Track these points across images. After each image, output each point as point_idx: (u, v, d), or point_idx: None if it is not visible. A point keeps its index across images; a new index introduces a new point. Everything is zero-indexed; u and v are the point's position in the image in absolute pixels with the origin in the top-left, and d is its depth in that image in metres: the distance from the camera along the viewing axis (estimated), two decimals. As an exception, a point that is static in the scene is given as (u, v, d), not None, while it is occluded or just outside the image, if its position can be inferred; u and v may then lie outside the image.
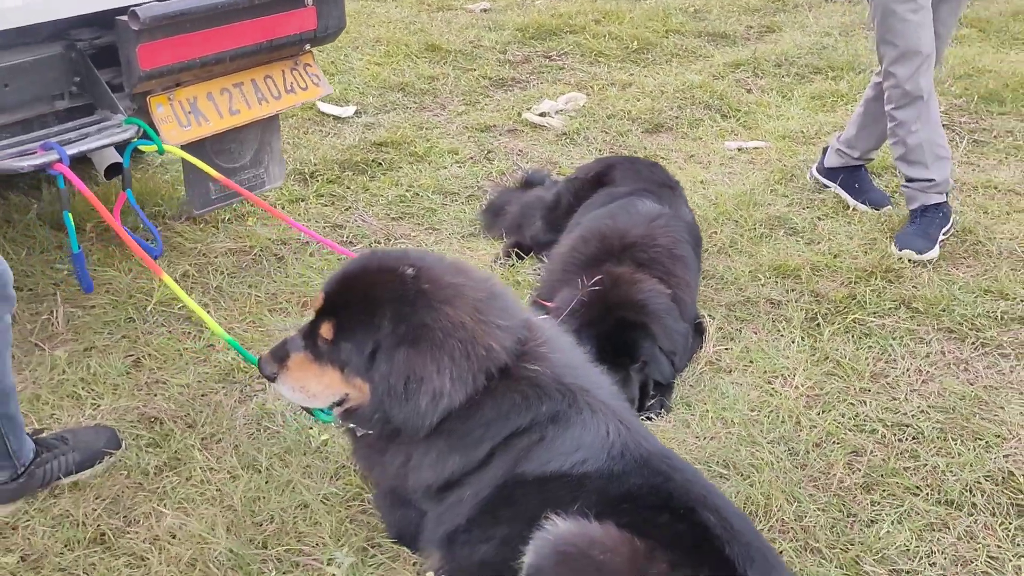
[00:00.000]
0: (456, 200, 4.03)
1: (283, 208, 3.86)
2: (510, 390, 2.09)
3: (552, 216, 3.50)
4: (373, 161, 4.31)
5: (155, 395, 2.80)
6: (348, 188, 4.08)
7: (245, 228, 3.72)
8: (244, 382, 2.88)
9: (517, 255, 3.54)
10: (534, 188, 3.86)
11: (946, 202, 3.61)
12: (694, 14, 6.46)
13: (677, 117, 4.84)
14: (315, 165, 4.21)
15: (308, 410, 2.41)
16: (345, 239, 3.71)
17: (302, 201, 3.96)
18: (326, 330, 2.14)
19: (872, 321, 3.13)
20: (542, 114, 4.81)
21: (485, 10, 6.55)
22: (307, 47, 3.39)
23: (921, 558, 2.25)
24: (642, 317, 2.75)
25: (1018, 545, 2.29)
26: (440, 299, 2.10)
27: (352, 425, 2.25)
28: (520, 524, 1.99)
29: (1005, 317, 3.14)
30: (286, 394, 2.25)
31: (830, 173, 4.00)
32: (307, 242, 3.64)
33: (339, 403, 2.25)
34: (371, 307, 2.10)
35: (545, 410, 2.08)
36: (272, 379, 2.23)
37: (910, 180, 3.62)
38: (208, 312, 2.85)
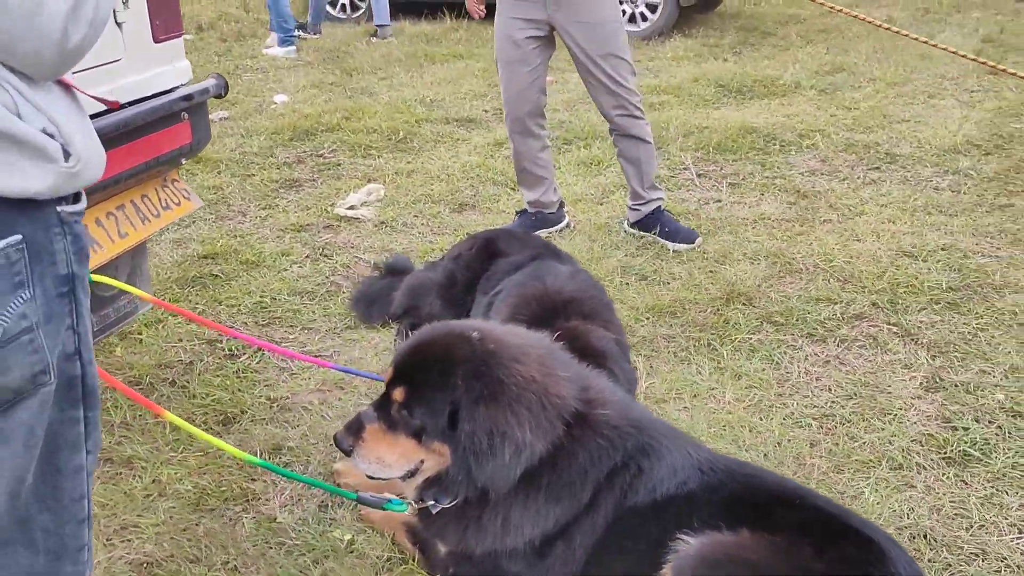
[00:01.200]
0: (315, 298, 3.97)
1: (145, 330, 3.58)
2: (594, 433, 2.21)
3: (449, 293, 3.59)
4: (209, 274, 4.11)
5: (131, 540, 2.51)
6: (198, 303, 3.86)
7: (114, 359, 3.40)
8: (219, 507, 2.66)
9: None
10: (402, 273, 3.92)
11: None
12: (431, 103, 6.84)
13: (475, 194, 5.12)
14: (152, 288, 3.91)
15: (377, 505, 2.37)
16: (227, 352, 3.52)
17: (159, 323, 3.68)
18: (399, 395, 2.17)
19: (751, 338, 3.60)
20: (351, 207, 4.85)
21: (224, 119, 6.43)
22: (181, 162, 3.25)
23: (907, 515, 2.66)
24: (606, 363, 2.96)
25: (966, 486, 2.79)
26: (508, 357, 2.19)
27: (431, 501, 2.25)
28: (646, 552, 2.10)
29: (844, 316, 3.75)
30: (362, 467, 2.25)
31: (641, 225, 4.51)
32: (190, 361, 3.42)
33: (412, 474, 2.24)
34: (444, 370, 2.15)
35: (631, 445, 2.23)
36: (348, 453, 2.24)
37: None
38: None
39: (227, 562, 2.45)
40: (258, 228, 4.67)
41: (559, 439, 2.17)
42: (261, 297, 3.93)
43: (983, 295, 3.87)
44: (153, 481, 2.77)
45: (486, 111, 6.72)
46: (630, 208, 4.51)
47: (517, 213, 4.68)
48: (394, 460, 2.23)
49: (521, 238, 3.74)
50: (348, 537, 2.53)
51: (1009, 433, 3.00)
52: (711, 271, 4.14)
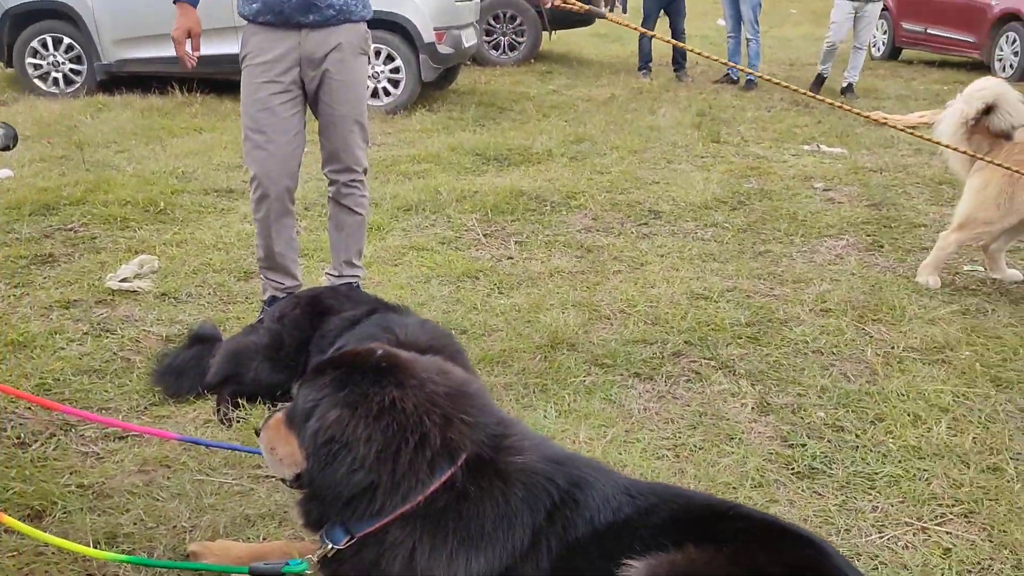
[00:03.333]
0: (105, 376, 3.49)
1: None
2: (509, 479, 2.08)
3: (277, 356, 3.31)
4: (-33, 360, 3.48)
5: None
6: (-39, 393, 3.24)
7: None
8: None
9: (235, 404, 3.26)
10: (210, 340, 3.56)
11: None
12: (184, 176, 6.39)
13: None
14: None
15: (274, 572, 2.14)
16: (16, 440, 2.98)
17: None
18: (295, 391, 2.12)
19: (585, 380, 3.61)
20: (123, 280, 4.36)
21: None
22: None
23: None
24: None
25: (821, 497, 2.93)
26: (394, 381, 2.05)
27: (326, 542, 2.05)
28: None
29: (664, 354, 3.88)
30: (264, 455, 2.19)
31: None
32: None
33: (300, 481, 2.11)
34: (328, 372, 2.07)
35: (562, 482, 2.12)
36: (256, 434, 2.19)
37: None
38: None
39: None
40: (14, 308, 4.05)
41: (454, 479, 2.02)
42: (41, 379, 3.39)
43: (775, 329, 4.17)
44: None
45: (244, 182, 6.37)
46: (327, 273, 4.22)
47: (264, 303, 4.03)
48: (283, 456, 2.11)
49: (347, 294, 3.54)
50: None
51: (839, 446, 3.20)
52: (528, 321, 4.13)
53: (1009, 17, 12.47)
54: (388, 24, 8.59)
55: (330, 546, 2.05)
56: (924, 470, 3.04)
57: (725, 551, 1.96)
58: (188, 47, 3.75)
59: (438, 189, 6.12)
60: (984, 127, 4.66)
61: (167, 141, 7.42)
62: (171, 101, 8.93)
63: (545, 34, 13.39)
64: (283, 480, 2.18)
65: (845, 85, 11.17)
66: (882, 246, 5.44)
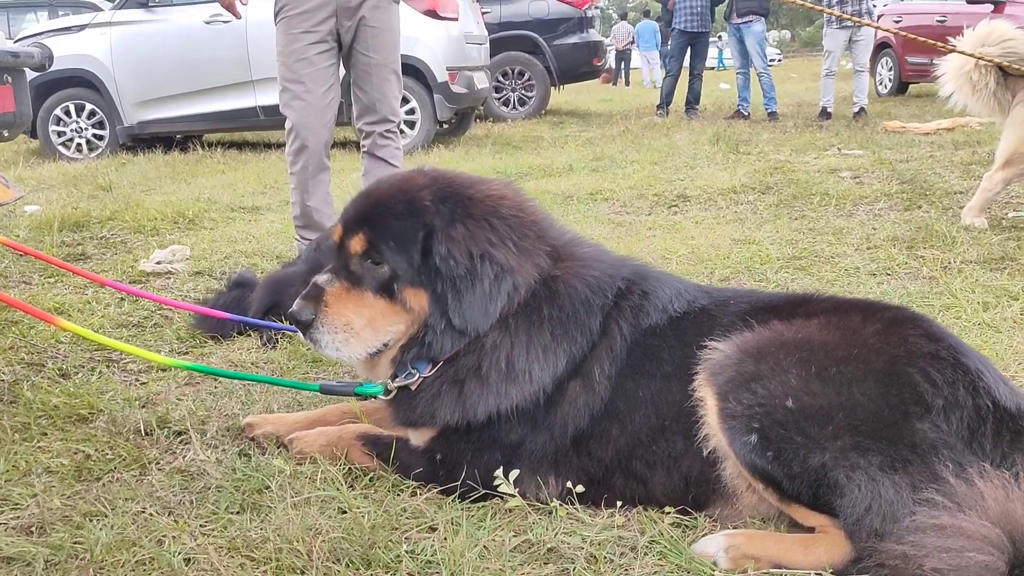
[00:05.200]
0: (145, 329, 3.40)
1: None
2: (584, 264, 1.99)
3: (320, 279, 3.21)
4: (9, 321, 3.40)
5: (3, 512, 1.85)
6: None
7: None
8: (108, 475, 2.06)
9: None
10: (249, 286, 3.47)
11: None
12: (210, 200, 6.38)
13: (289, 249, 4.73)
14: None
15: (346, 392, 1.97)
16: (59, 371, 2.87)
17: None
18: (358, 244, 1.86)
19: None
20: (158, 262, 4.30)
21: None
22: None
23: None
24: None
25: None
26: (472, 180, 1.96)
27: (411, 374, 1.88)
28: (674, 368, 1.86)
29: (713, 279, 3.76)
30: (325, 343, 1.86)
31: None
32: (15, 380, 2.74)
33: (382, 350, 1.88)
34: (408, 198, 1.88)
35: (628, 272, 2.01)
36: (309, 325, 1.85)
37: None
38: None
39: (141, 511, 1.86)
40: (48, 290, 3.98)
41: (548, 269, 1.91)
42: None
43: (823, 261, 4.04)
44: (12, 467, 2.11)
45: (271, 202, 6.38)
46: None
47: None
48: (364, 325, 1.88)
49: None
50: (289, 468, 2.02)
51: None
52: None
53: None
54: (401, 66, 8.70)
55: (417, 376, 1.91)
56: (1005, 338, 2.87)
57: (815, 321, 1.84)
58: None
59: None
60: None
61: (192, 180, 7.47)
62: (193, 156, 9.04)
63: (553, 90, 13.61)
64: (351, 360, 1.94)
65: (856, 110, 11.23)
66: (920, 206, 5.33)
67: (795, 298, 2.02)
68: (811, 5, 5.83)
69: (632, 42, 26.45)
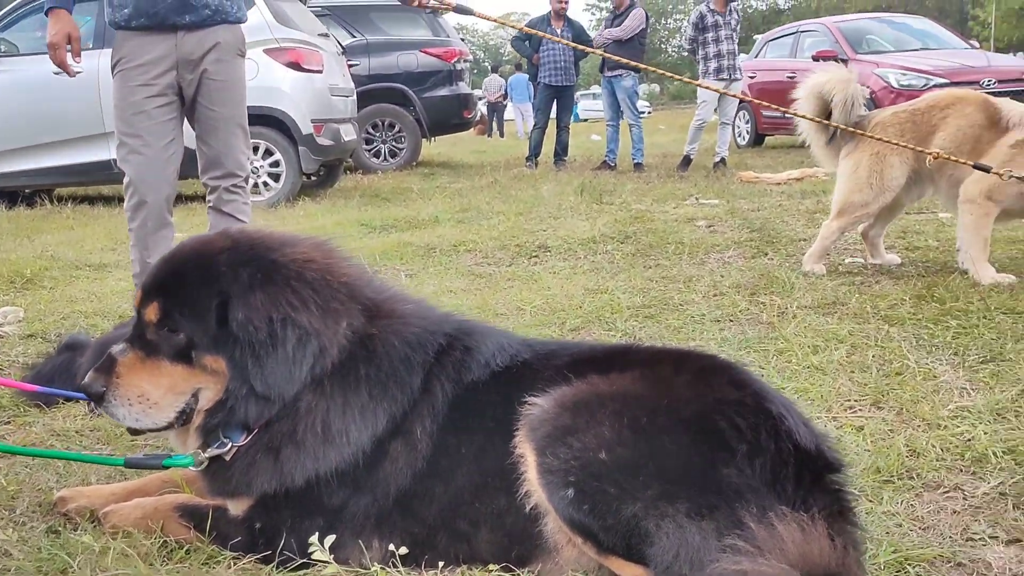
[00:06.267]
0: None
1: None
2: (403, 320, 1.97)
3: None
4: None
5: None
6: None
7: None
8: None
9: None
10: (82, 348, 3.31)
11: None
12: (53, 258, 6.10)
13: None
14: None
15: (154, 465, 1.88)
16: None
17: None
18: (153, 313, 1.81)
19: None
20: (-15, 326, 4.07)
21: None
22: None
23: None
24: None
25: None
26: (279, 242, 1.93)
27: (223, 443, 1.82)
28: (496, 424, 1.86)
29: (564, 330, 3.81)
30: (122, 416, 1.81)
31: None
32: None
33: (185, 416, 1.82)
34: (204, 264, 1.85)
35: (450, 327, 2.01)
36: (100, 398, 1.80)
37: None
38: None
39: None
40: None
41: (363, 328, 1.89)
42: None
43: (672, 308, 4.15)
44: None
45: (120, 258, 6.14)
46: None
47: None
48: (161, 395, 1.83)
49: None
50: (98, 544, 1.91)
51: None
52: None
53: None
54: (265, 119, 8.61)
55: (229, 445, 1.85)
56: (830, 380, 3.00)
57: (630, 373, 1.87)
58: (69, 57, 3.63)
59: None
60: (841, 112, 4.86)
61: (36, 237, 7.14)
62: (40, 211, 8.66)
63: (425, 141, 13.68)
64: (155, 429, 1.88)
65: (718, 160, 11.69)
66: (766, 254, 5.55)
67: (615, 350, 2.05)
68: (688, 79, 6.08)
69: (504, 95, 26.97)
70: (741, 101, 16.02)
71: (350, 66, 11.19)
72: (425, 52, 12.72)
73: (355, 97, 10.36)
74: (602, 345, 2.20)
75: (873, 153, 4.71)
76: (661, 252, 5.68)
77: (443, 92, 12.75)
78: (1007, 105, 4.55)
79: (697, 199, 8.43)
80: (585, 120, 37.31)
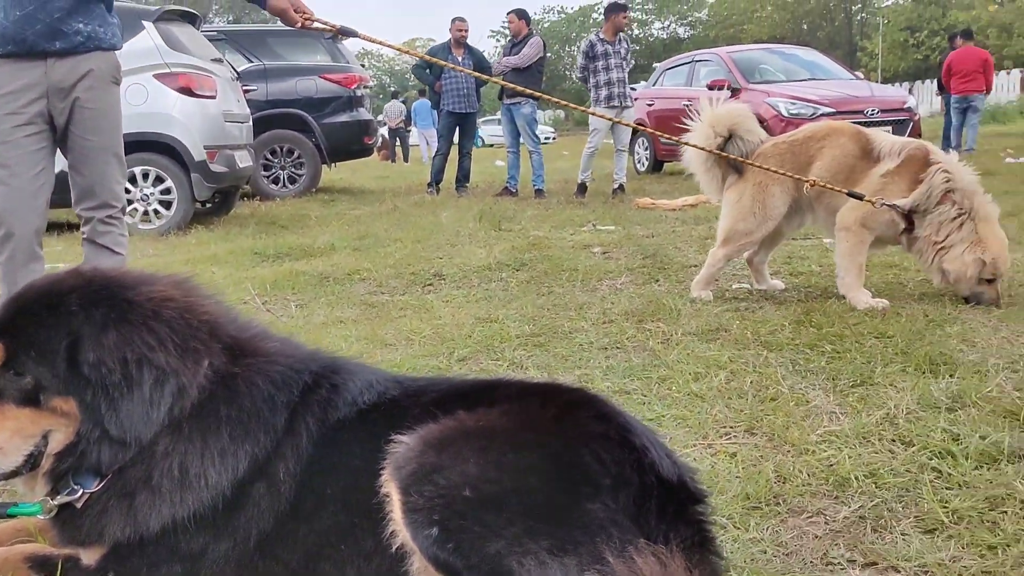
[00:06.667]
0: None
1: None
2: (267, 359, 1.93)
3: None
4: None
5: None
6: None
7: None
8: None
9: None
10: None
11: None
12: None
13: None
14: None
15: (6, 515, 1.78)
16: None
17: None
18: None
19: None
20: None
21: None
22: None
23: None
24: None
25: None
26: (135, 280, 1.88)
27: (74, 490, 1.75)
28: (362, 463, 1.82)
29: (451, 361, 3.79)
30: None
31: None
32: None
33: (33, 460, 1.74)
34: (53, 303, 1.78)
35: (316, 366, 1.98)
36: None
37: None
38: None
39: None
40: None
41: (224, 367, 1.84)
42: None
43: (561, 336, 4.18)
44: None
45: None
46: None
47: None
48: (6, 439, 1.74)
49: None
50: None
51: (625, 403, 3.17)
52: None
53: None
54: (155, 145, 8.41)
55: (80, 492, 1.77)
56: (708, 406, 3.06)
57: (497, 408, 1.87)
58: None
59: (213, 272, 5.88)
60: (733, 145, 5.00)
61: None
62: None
63: (327, 167, 13.55)
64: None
65: (616, 187, 11.88)
66: (657, 280, 5.65)
67: (483, 385, 2.05)
68: (575, 106, 6.14)
69: (405, 120, 26.96)
70: (634, 129, 16.41)
71: (246, 91, 11.02)
72: (324, 78, 12.62)
73: (251, 123, 10.20)
74: (471, 380, 2.20)
75: (756, 183, 4.86)
76: (555, 279, 5.73)
77: (343, 118, 12.67)
78: (878, 136, 4.76)
79: (594, 225, 8.55)
80: (490, 146, 37.53)
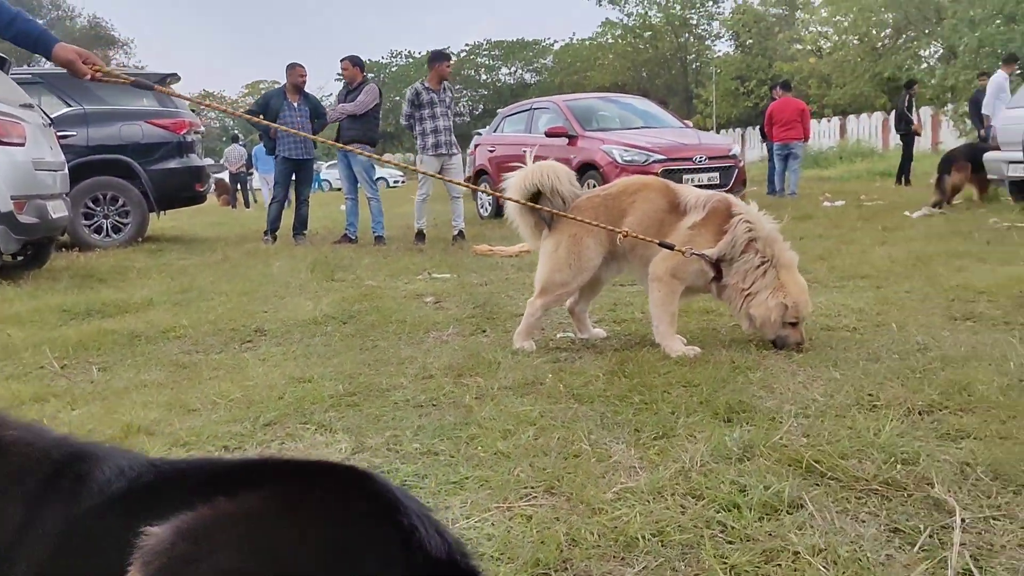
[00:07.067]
0: None
1: None
2: (4, 451, 1.78)
3: None
4: None
5: None
6: None
7: None
8: None
9: None
10: None
11: None
12: None
13: None
14: None
15: None
16: None
17: None
18: None
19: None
20: None
21: None
22: None
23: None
24: None
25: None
26: None
27: None
28: (112, 552, 1.69)
29: (256, 427, 3.64)
30: None
31: None
32: None
33: None
34: None
35: (59, 455, 1.84)
36: None
37: None
38: None
39: None
40: None
41: None
42: None
43: (377, 395, 4.09)
44: None
45: None
46: None
47: None
48: None
49: None
50: None
51: (432, 465, 3.11)
52: (102, 424, 3.70)
53: (586, 167, 14.22)
54: (-43, 195, 7.83)
55: None
56: (513, 465, 3.03)
57: (261, 492, 1.77)
58: None
59: (9, 335, 5.48)
60: (547, 199, 5.07)
61: None
62: None
63: (157, 215, 13.01)
64: None
65: (456, 233, 11.91)
66: (485, 331, 5.65)
67: (249, 465, 1.95)
68: (405, 165, 6.07)
69: (246, 164, 26.34)
70: (479, 171, 16.61)
71: (64, 137, 10.47)
72: (152, 123, 12.15)
73: (66, 171, 9.65)
74: (236, 460, 2.09)
75: (571, 235, 4.94)
76: (382, 332, 5.64)
77: (172, 164, 12.21)
78: (684, 191, 4.94)
79: (430, 273, 8.53)
80: (338, 189, 37.10)
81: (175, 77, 13.06)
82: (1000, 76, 16.70)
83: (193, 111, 13.65)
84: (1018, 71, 22.10)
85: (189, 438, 3.46)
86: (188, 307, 6.82)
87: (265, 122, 6.24)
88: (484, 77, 71.12)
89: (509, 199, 5.15)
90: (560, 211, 5.00)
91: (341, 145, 5.68)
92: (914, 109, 21.56)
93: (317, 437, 3.47)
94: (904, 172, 20.95)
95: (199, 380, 4.48)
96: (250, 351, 5.22)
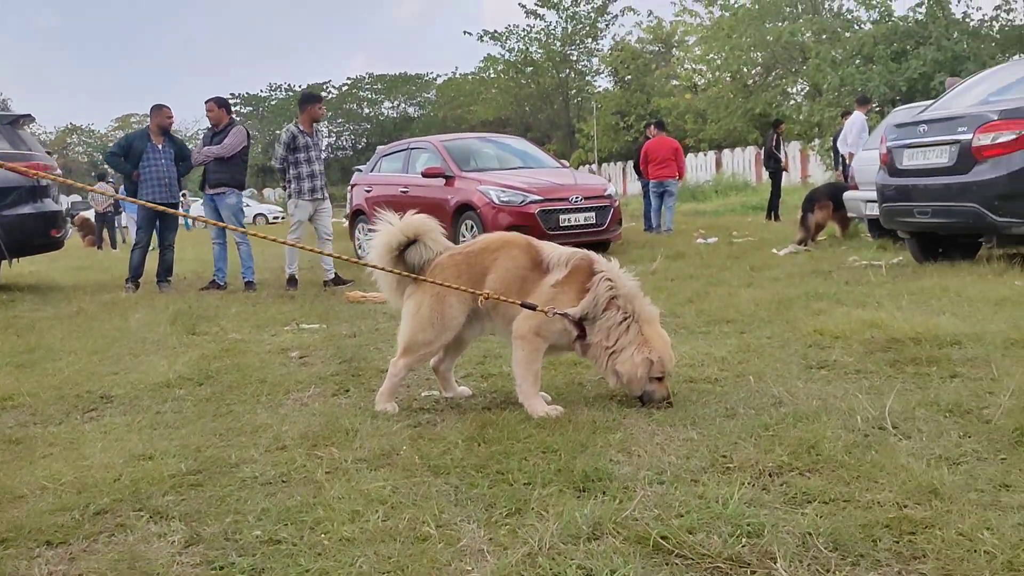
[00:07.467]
0: None
1: None
2: None
3: None
4: None
5: None
6: None
7: None
8: None
9: None
10: None
11: None
12: None
13: None
14: None
15: None
16: None
17: None
18: None
19: (12, 554, 2.98)
20: None
21: None
22: None
23: None
24: None
25: None
26: None
27: None
28: None
29: (85, 516, 3.38)
30: None
31: None
32: None
33: None
34: None
35: None
36: None
37: None
38: None
39: None
40: None
41: None
42: None
43: (223, 472, 3.88)
44: None
45: None
46: None
47: None
48: None
49: None
50: None
51: (272, 557, 2.94)
52: None
53: (464, 207, 14.19)
54: None
55: None
56: (357, 555, 2.89)
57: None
58: None
59: None
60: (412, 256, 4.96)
61: None
62: None
63: (9, 263, 12.30)
64: None
65: (330, 278, 11.66)
66: (348, 390, 5.48)
67: None
68: (303, 246, 5.85)
69: (112, 204, 25.34)
70: (356, 211, 16.37)
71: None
72: (1, 166, 11.47)
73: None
74: None
75: (434, 294, 4.84)
76: (239, 394, 5.40)
77: (26, 210, 11.58)
78: (547, 248, 4.91)
79: (298, 324, 8.29)
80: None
81: (28, 118, 12.43)
82: (859, 116, 17.58)
83: (49, 153, 13.02)
84: (876, 108, 23.35)
85: (8, 534, 3.18)
86: (32, 370, 6.40)
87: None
88: (367, 111, 70.74)
89: (367, 264, 5.02)
90: (421, 271, 4.90)
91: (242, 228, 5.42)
92: (782, 146, 22.49)
93: (150, 527, 3.25)
94: (773, 208, 21.77)
95: (31, 459, 4.17)
96: (92, 422, 4.90)
